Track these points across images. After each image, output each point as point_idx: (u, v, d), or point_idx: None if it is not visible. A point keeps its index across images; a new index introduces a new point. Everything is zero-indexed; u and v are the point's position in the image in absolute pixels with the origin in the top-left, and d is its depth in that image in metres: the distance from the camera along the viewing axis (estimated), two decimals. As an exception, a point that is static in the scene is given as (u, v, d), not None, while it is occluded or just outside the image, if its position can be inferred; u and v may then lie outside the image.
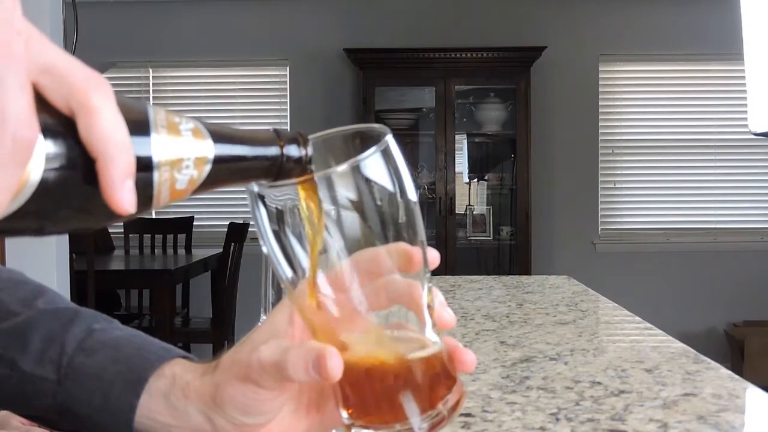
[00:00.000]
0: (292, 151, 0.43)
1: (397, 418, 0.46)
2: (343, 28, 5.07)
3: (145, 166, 0.37)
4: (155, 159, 0.38)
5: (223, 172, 0.41)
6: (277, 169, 0.43)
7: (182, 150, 0.39)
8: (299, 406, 0.51)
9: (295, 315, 0.49)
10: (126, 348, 0.57)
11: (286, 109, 5.16)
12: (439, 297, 0.48)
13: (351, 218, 0.44)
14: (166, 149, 0.38)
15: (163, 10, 5.11)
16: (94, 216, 0.37)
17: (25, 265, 2.43)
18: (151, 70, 5.21)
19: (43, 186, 0.34)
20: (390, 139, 0.44)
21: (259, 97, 5.23)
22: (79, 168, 0.35)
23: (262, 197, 0.46)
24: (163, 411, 0.53)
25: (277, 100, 5.20)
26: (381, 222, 0.44)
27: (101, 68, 4.23)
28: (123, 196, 0.35)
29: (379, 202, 0.44)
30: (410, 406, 0.46)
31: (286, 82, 5.17)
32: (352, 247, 0.44)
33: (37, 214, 0.35)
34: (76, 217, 0.37)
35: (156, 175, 0.38)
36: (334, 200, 0.43)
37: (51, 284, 2.48)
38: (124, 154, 0.35)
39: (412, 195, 0.45)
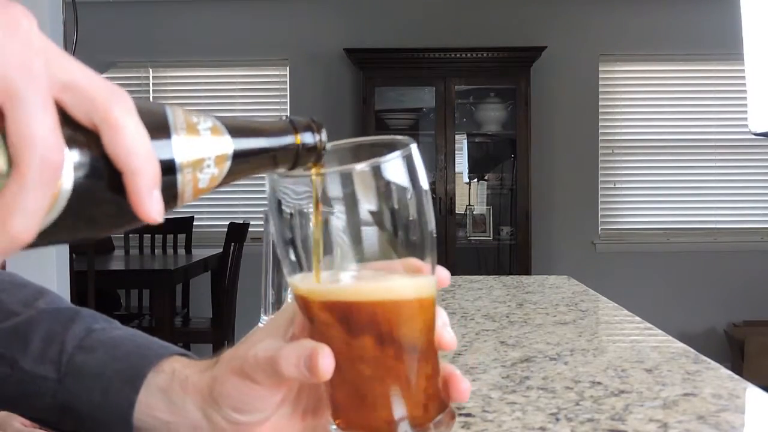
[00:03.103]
0: (307, 138, 0.44)
1: (388, 428, 0.45)
2: (343, 28, 5.07)
3: (168, 169, 0.38)
4: (177, 161, 0.39)
5: (243, 165, 0.42)
6: (294, 158, 0.44)
7: (203, 150, 0.40)
8: (296, 410, 0.51)
9: (297, 318, 0.49)
10: (125, 346, 0.57)
11: (286, 109, 5.16)
12: (442, 317, 0.48)
13: (365, 218, 0.44)
14: (188, 151, 0.39)
15: (163, 10, 5.11)
16: (122, 223, 0.38)
17: (25, 265, 2.43)
18: (151, 70, 5.22)
19: (73, 201, 0.35)
20: (414, 149, 0.45)
21: (259, 97, 5.23)
22: (106, 181, 0.36)
23: (279, 202, 0.46)
24: (162, 407, 0.53)
25: (277, 100, 5.20)
26: (393, 226, 0.44)
27: (101, 68, 4.23)
28: (151, 207, 0.36)
29: (394, 206, 0.44)
30: (401, 423, 0.45)
31: (286, 82, 5.17)
32: (363, 247, 0.44)
33: (67, 226, 0.36)
34: (105, 225, 0.38)
35: (179, 177, 0.39)
36: (351, 198, 0.44)
37: (51, 284, 2.47)
38: (150, 166, 0.36)
39: (429, 210, 0.45)
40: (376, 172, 0.43)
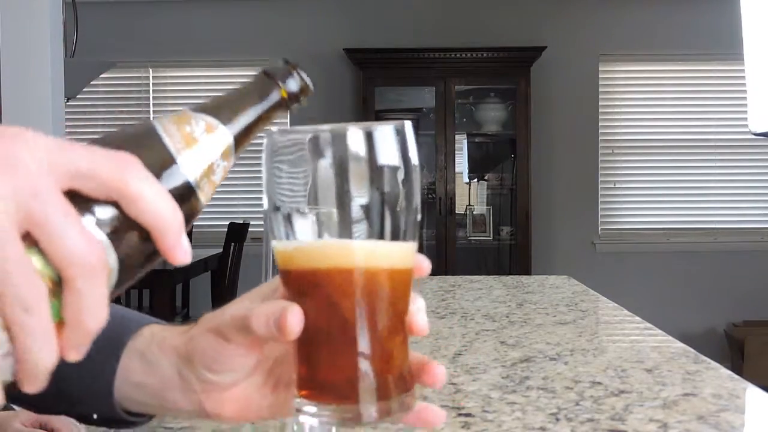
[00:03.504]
0: (291, 86, 0.46)
1: (350, 398, 0.45)
2: (343, 28, 5.07)
3: (186, 192, 0.40)
4: (192, 181, 0.40)
5: (244, 140, 0.44)
6: (286, 107, 0.46)
7: (208, 156, 0.41)
8: (267, 381, 0.53)
9: (279, 288, 0.49)
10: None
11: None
12: (418, 302, 0.49)
13: (353, 181, 0.44)
14: (197, 166, 0.41)
15: (163, 10, 5.11)
16: (156, 263, 0.42)
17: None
18: (151, 70, 5.21)
19: (120, 269, 0.39)
20: (408, 124, 0.46)
21: (259, 97, 5.22)
22: (139, 241, 0.39)
23: (277, 208, 0.47)
24: (137, 368, 0.55)
25: (277, 100, 5.19)
26: (380, 193, 0.45)
27: (101, 68, 4.23)
28: (181, 254, 0.40)
29: (383, 173, 0.45)
30: (365, 395, 0.45)
31: (286, 82, 5.17)
32: (348, 211, 0.45)
33: (119, 285, 0.40)
34: (144, 270, 0.42)
35: (198, 192, 0.41)
36: (342, 160, 0.44)
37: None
38: (175, 221, 0.39)
39: (417, 185, 0.46)
40: (369, 136, 0.44)
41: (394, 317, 0.46)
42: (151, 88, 5.23)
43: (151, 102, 5.22)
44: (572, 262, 5.02)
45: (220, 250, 4.32)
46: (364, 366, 0.45)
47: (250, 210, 5.01)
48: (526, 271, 4.73)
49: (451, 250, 4.73)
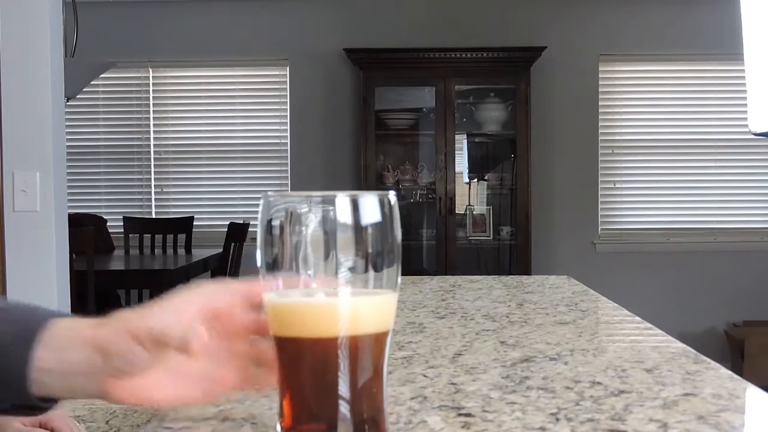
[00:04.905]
0: None
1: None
2: (343, 28, 5.07)
3: None
4: None
5: None
6: None
7: None
8: (167, 372, 0.58)
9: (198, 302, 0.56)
10: (14, 312, 0.61)
11: (286, 109, 5.16)
12: None
13: (340, 241, 0.50)
14: None
15: (163, 10, 5.11)
16: None
17: (25, 265, 2.43)
18: (151, 70, 5.22)
19: None
20: (392, 195, 0.52)
21: (259, 97, 5.23)
22: None
23: (269, 264, 0.52)
24: (48, 356, 0.58)
25: (277, 100, 5.20)
26: (363, 254, 0.50)
27: (101, 68, 4.22)
28: None
29: (367, 237, 0.50)
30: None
31: (286, 82, 5.17)
32: (334, 268, 0.50)
33: None
34: None
35: None
36: (330, 222, 0.50)
37: (51, 284, 2.47)
38: None
39: (397, 244, 0.51)
40: (354, 203, 0.50)
41: (373, 369, 0.52)
42: (151, 88, 5.23)
43: (151, 102, 5.22)
44: (572, 262, 5.02)
45: (220, 250, 4.32)
46: (344, 410, 0.51)
47: (250, 210, 5.01)
48: (526, 271, 4.73)
49: (451, 250, 4.73)
